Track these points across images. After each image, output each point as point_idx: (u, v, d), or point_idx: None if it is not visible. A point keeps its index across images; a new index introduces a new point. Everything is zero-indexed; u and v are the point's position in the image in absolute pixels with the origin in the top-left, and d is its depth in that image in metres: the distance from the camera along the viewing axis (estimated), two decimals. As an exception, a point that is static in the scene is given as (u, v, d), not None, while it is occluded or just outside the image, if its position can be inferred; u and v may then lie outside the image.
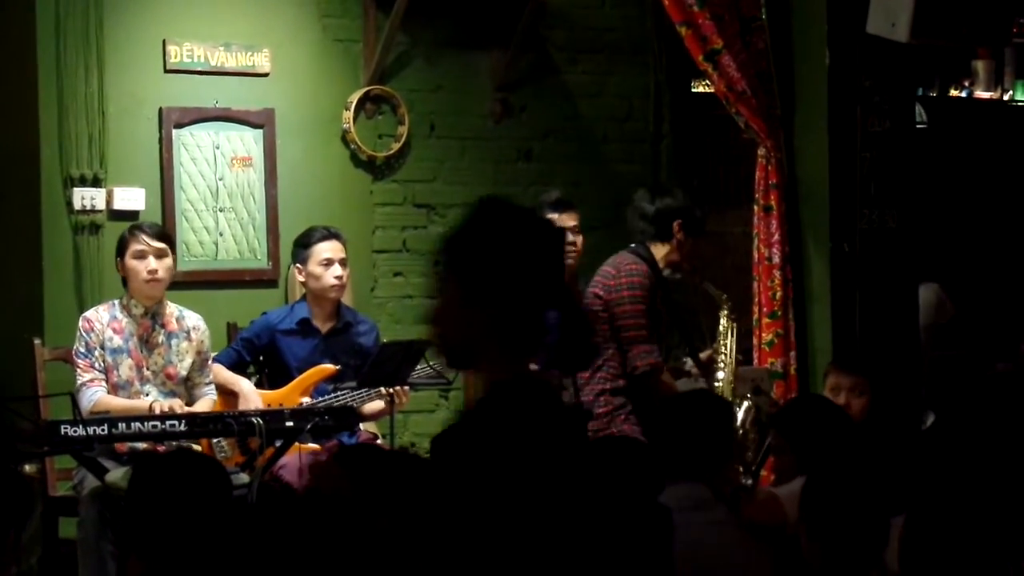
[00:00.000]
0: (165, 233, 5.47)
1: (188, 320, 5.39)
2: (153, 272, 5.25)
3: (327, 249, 5.54)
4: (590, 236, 6.21)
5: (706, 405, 3.94)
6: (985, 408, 5.19)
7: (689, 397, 4.17)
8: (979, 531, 2.91)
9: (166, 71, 6.11)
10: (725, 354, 5.51)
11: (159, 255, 5.27)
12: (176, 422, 4.90)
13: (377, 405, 5.44)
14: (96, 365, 5.21)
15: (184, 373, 5.35)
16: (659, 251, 5.40)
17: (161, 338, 5.33)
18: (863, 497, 3.27)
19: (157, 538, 2.90)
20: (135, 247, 5.26)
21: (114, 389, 5.23)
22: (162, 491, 2.95)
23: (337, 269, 5.53)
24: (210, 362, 5.45)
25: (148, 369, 5.28)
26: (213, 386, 5.42)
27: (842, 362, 5.39)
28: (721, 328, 5.55)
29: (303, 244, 5.59)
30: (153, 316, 5.33)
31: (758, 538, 3.69)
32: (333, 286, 5.53)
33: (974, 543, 2.89)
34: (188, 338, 5.37)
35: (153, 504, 2.94)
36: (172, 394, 5.28)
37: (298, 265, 5.58)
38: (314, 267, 5.53)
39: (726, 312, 5.56)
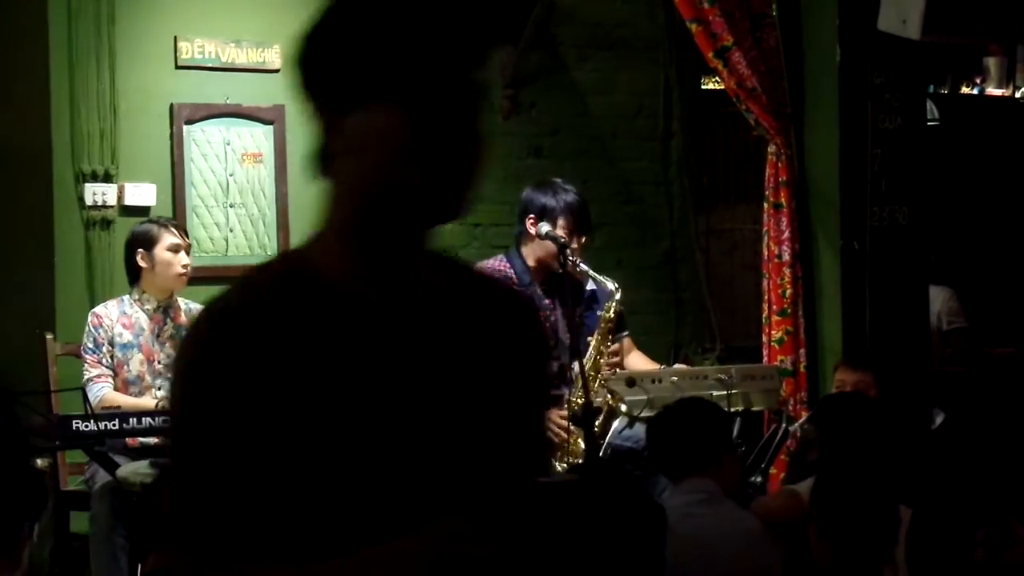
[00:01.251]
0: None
1: (197, 313, 5.40)
2: (186, 267, 5.36)
3: None
4: (599, 233, 6.21)
5: (695, 407, 4.02)
6: (994, 405, 5.18)
7: (679, 404, 4.18)
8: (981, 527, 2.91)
9: (177, 67, 6.12)
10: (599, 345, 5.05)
11: (188, 250, 5.41)
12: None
13: None
14: (104, 361, 5.23)
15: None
16: (528, 252, 5.18)
17: (172, 331, 5.35)
18: (873, 495, 3.27)
19: None
20: (171, 240, 5.33)
21: (124, 385, 5.24)
22: None
23: None
24: None
25: (160, 363, 5.30)
26: None
27: (847, 358, 5.39)
28: (610, 317, 5.10)
29: None
30: (165, 310, 5.36)
31: (772, 533, 3.70)
32: None
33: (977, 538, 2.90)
34: (197, 329, 5.39)
35: None
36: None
37: None
38: None
39: (615, 302, 5.08)
